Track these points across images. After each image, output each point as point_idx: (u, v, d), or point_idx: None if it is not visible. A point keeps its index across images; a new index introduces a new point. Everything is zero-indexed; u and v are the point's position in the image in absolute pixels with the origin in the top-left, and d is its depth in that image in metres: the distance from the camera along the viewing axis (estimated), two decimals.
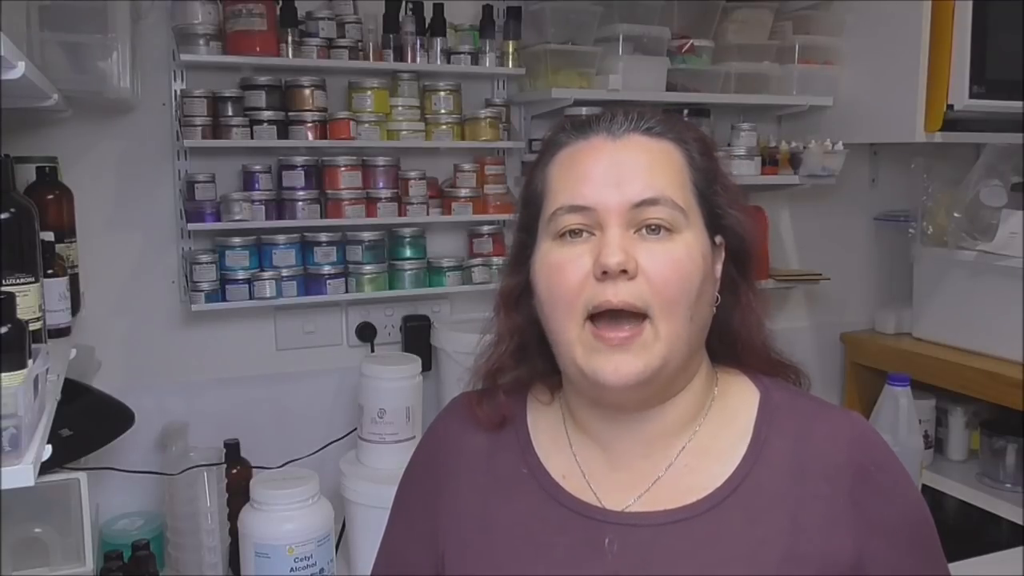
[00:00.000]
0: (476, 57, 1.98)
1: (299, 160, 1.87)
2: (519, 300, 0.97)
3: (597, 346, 0.86)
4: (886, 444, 0.94)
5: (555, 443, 0.98)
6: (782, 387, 0.97)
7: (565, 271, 0.88)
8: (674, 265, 0.86)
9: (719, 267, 0.94)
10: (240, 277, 1.84)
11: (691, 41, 2.10)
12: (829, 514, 0.87)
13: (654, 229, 0.87)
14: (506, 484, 0.97)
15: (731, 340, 0.97)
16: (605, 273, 0.85)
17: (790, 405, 0.95)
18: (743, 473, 0.90)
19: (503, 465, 0.98)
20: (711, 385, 0.96)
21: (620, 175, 0.87)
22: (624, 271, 0.84)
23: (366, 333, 2.04)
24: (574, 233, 0.88)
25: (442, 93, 1.97)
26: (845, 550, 0.87)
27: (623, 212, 0.86)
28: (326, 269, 1.90)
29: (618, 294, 0.85)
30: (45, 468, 1.05)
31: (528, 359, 0.99)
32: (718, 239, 0.93)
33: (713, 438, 0.93)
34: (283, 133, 1.85)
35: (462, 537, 0.97)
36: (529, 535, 0.93)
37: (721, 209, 0.93)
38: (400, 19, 1.92)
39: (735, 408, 0.95)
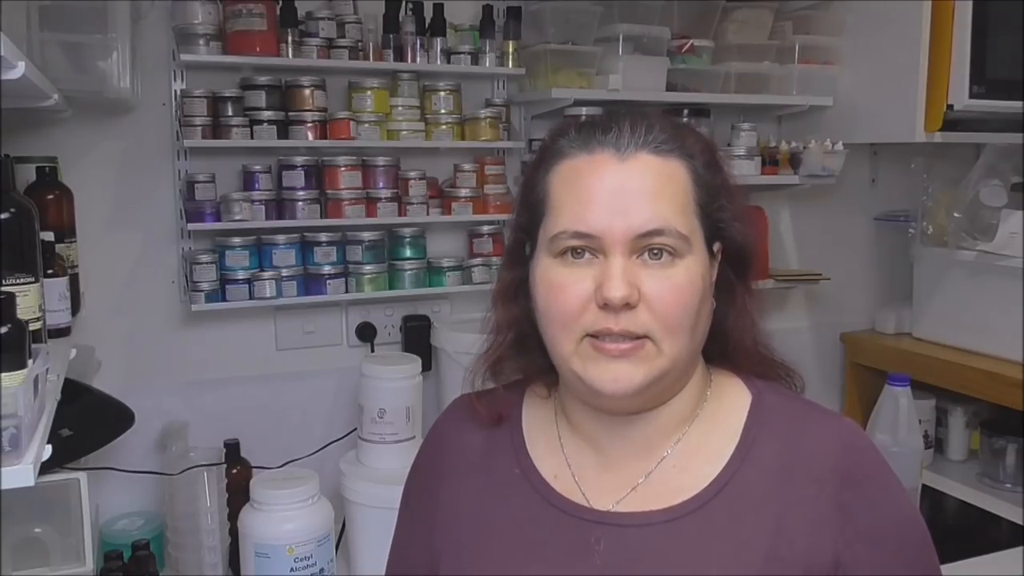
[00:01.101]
0: (476, 57, 1.98)
1: (299, 160, 1.87)
2: (516, 293, 0.97)
3: (596, 356, 0.86)
4: (877, 452, 0.93)
5: (548, 442, 0.98)
6: (776, 390, 0.97)
7: (565, 293, 0.87)
8: (676, 292, 0.86)
9: (715, 272, 0.93)
10: (240, 277, 1.84)
11: (691, 41, 2.10)
12: (814, 517, 0.87)
13: (656, 254, 0.86)
14: (500, 485, 0.97)
15: (724, 342, 0.97)
16: (607, 304, 0.84)
17: (782, 408, 0.94)
18: (730, 474, 0.90)
19: (498, 466, 0.98)
20: (705, 387, 0.97)
21: (626, 202, 0.86)
22: (627, 303, 0.84)
23: (366, 333, 2.04)
24: (576, 253, 0.87)
25: (442, 93, 1.97)
26: (826, 553, 0.87)
27: (627, 241, 0.85)
28: (326, 269, 1.90)
29: (619, 323, 0.84)
30: (45, 468, 1.05)
31: (528, 350, 0.99)
32: (716, 246, 0.93)
33: (703, 439, 0.93)
34: (283, 133, 1.85)
35: (457, 537, 0.97)
36: (521, 536, 0.93)
37: (724, 223, 0.93)
38: (400, 19, 1.92)
39: (727, 410, 0.95)
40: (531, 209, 0.94)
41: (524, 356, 1.00)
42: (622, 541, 0.89)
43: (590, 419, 0.95)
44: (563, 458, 0.96)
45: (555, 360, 0.92)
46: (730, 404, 0.95)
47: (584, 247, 0.87)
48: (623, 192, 0.87)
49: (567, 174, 0.90)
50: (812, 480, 0.88)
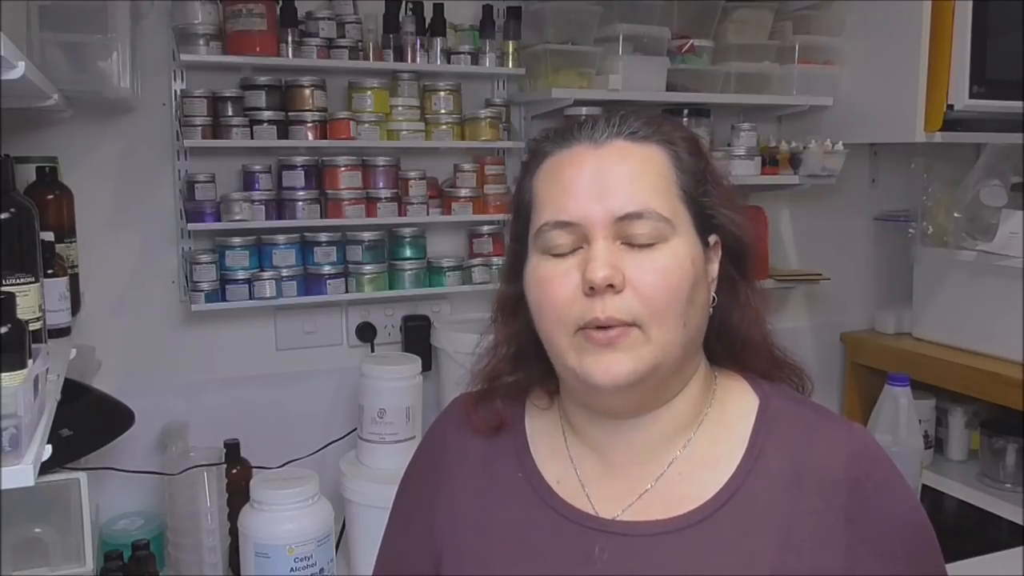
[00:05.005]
0: (476, 57, 1.98)
1: (299, 160, 1.87)
2: (516, 308, 0.96)
3: (588, 347, 0.85)
4: (888, 459, 0.91)
5: (552, 448, 0.97)
6: (783, 394, 0.96)
7: (553, 286, 0.87)
8: (662, 275, 0.85)
9: (714, 267, 0.92)
10: (240, 277, 1.84)
11: (691, 41, 2.10)
12: (821, 530, 0.86)
13: (640, 239, 0.86)
14: (502, 488, 0.96)
15: (731, 340, 0.95)
16: (592, 289, 0.84)
17: (789, 414, 0.93)
18: (736, 484, 0.89)
19: (500, 469, 0.98)
20: (709, 389, 0.95)
21: (603, 186, 0.86)
22: (611, 285, 0.83)
23: (366, 333, 2.04)
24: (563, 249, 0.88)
25: (442, 93, 1.97)
26: (835, 567, 0.85)
27: (607, 225, 0.85)
28: (326, 269, 1.90)
29: (606, 309, 0.84)
30: (45, 468, 1.05)
31: (525, 365, 0.99)
32: (712, 239, 0.92)
33: (709, 446, 0.92)
34: (283, 133, 1.85)
35: (457, 539, 0.97)
36: (522, 540, 0.92)
37: (712, 209, 0.91)
38: (400, 19, 1.92)
39: (733, 415, 0.93)
40: (521, 213, 0.94)
41: (522, 370, 0.99)
42: (626, 550, 0.88)
43: (592, 423, 0.94)
44: (568, 463, 0.95)
45: (553, 359, 0.91)
46: (736, 409, 0.94)
47: (568, 242, 0.87)
48: (599, 176, 0.87)
49: (548, 170, 0.91)
50: (820, 491, 0.87)
